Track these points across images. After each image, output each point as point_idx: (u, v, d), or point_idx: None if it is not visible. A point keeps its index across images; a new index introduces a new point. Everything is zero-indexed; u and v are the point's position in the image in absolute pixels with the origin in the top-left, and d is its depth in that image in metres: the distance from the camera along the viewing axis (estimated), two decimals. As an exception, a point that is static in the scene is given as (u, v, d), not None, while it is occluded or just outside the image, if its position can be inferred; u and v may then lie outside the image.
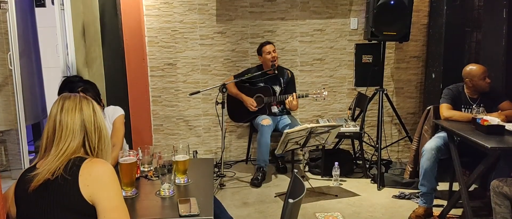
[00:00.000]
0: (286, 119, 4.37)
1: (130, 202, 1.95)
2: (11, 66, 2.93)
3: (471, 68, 3.44)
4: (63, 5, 3.50)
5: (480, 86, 3.41)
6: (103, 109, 2.76)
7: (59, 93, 2.61)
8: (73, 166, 1.53)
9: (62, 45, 3.56)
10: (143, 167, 2.33)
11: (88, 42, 3.69)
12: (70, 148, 1.58)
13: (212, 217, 1.79)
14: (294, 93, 4.19)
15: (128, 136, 2.78)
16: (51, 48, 4.01)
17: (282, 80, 4.40)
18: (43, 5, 4.23)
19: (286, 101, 4.20)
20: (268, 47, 4.28)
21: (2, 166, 3.68)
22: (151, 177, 2.26)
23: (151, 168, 2.33)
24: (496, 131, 2.98)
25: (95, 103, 1.71)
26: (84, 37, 3.65)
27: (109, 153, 1.72)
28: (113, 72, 4.10)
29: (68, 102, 1.64)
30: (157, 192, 2.04)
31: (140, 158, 2.31)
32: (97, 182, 1.52)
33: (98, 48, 3.92)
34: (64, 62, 3.60)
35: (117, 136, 2.69)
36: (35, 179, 1.52)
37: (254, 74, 4.31)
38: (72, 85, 2.61)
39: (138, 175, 2.27)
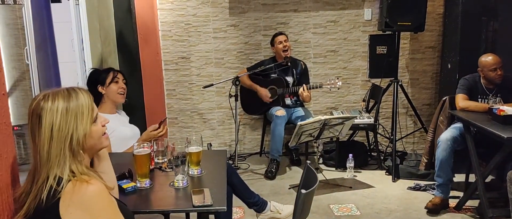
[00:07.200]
0: (299, 111, 4.36)
1: (145, 193, 1.97)
2: (28, 60, 2.99)
3: (485, 58, 3.39)
4: (78, 0, 3.55)
5: (490, 77, 3.37)
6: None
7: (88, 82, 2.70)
8: (54, 196, 1.26)
9: (77, 40, 3.61)
10: (157, 159, 2.36)
11: (102, 37, 3.74)
12: (43, 175, 1.29)
13: (225, 208, 1.80)
14: (304, 85, 4.16)
15: (144, 129, 2.81)
16: (66, 43, 4.07)
17: (295, 71, 4.39)
18: (59, 1, 4.29)
19: (299, 93, 4.18)
20: (281, 37, 4.29)
21: (21, 160, 3.75)
22: (165, 168, 2.29)
23: (165, 159, 2.35)
24: (513, 121, 2.93)
25: (70, 95, 1.35)
26: (99, 32, 3.69)
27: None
28: (128, 66, 4.14)
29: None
30: (171, 183, 2.06)
31: (154, 150, 2.34)
32: (84, 214, 1.25)
33: (112, 42, 3.96)
34: (80, 57, 3.65)
35: None
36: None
37: (268, 66, 4.31)
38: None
39: (153, 166, 2.29)
